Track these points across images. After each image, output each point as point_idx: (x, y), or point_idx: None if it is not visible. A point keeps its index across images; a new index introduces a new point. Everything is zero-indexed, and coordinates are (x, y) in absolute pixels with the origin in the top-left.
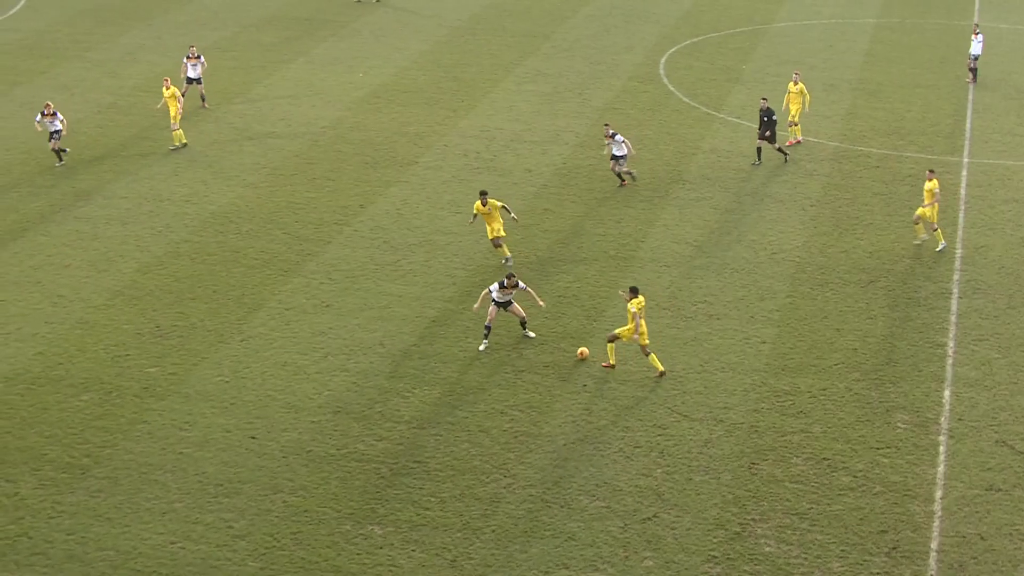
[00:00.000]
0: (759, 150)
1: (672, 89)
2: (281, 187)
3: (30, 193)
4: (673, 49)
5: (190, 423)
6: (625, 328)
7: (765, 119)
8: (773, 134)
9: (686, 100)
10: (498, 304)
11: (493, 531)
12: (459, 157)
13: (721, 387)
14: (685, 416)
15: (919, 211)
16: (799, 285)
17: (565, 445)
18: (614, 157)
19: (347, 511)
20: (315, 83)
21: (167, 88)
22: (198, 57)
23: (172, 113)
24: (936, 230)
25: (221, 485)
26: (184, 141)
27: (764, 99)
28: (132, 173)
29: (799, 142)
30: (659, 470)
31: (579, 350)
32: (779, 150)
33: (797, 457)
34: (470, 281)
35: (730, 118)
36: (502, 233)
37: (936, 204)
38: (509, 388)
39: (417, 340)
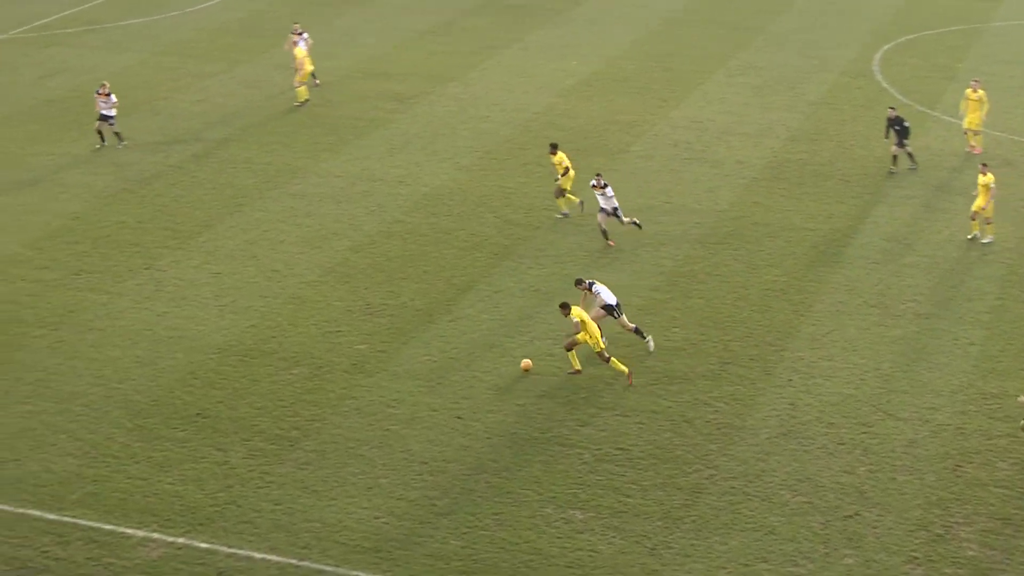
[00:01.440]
0: (895, 157)
1: (886, 86)
2: (493, 171)
3: (247, 170)
4: (887, 46)
5: (397, 400)
6: (580, 335)
7: (896, 128)
8: (902, 141)
9: (900, 97)
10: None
11: (693, 521)
12: (669, 147)
13: (928, 387)
14: (890, 415)
15: (974, 206)
16: (1009, 287)
17: (768, 439)
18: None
19: (549, 494)
20: (528, 69)
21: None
22: (300, 34)
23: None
24: (989, 223)
25: (426, 463)
26: (307, 97)
27: (892, 108)
28: (347, 153)
29: (978, 151)
30: (862, 468)
31: (523, 362)
32: (909, 155)
33: (1003, 461)
34: (677, 272)
35: (944, 116)
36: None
37: (992, 199)
38: (714, 379)
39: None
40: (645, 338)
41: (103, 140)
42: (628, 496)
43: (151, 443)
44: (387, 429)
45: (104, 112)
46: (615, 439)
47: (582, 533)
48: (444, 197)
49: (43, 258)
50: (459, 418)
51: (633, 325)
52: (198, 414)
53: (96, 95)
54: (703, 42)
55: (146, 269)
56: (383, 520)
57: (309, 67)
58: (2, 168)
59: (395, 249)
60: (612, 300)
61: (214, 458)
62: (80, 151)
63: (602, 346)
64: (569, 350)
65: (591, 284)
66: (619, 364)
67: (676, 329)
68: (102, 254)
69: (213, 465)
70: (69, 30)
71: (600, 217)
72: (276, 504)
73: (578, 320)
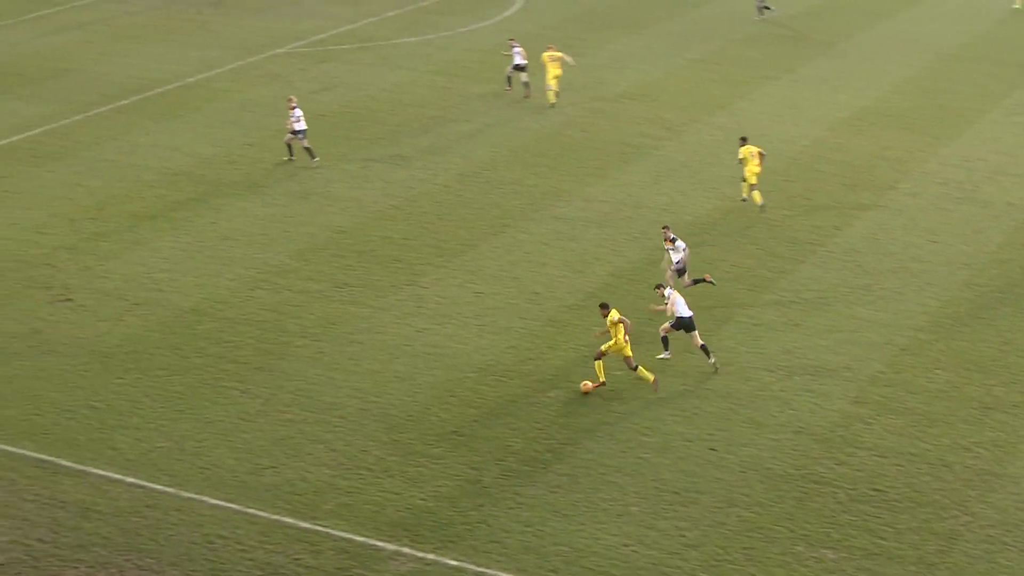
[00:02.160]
0: None
1: None
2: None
3: (512, 191)
4: None
5: (651, 429)
6: (610, 344)
7: None
8: None
9: None
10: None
11: (948, 568)
12: (938, 185)
13: None
14: None
15: None
16: None
17: None
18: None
19: (801, 532)
20: (798, 102)
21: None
22: (514, 46)
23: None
24: None
25: (677, 493)
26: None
27: None
28: (612, 178)
29: None
30: None
31: (582, 384)
32: None
33: None
34: (942, 312)
35: None
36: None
37: None
38: (975, 424)
39: (884, 367)
40: (710, 358)
41: (291, 154)
42: (882, 539)
43: (406, 458)
44: (640, 457)
45: (295, 127)
46: (871, 479)
47: (833, 574)
48: (707, 227)
49: (309, 269)
50: (713, 450)
51: (701, 342)
52: (453, 432)
53: (289, 110)
54: (979, 79)
55: (408, 285)
56: (632, 548)
57: (555, 71)
58: (276, 180)
59: (656, 277)
60: (687, 313)
61: (467, 476)
62: (350, 166)
63: (629, 352)
64: (598, 359)
65: (669, 291)
66: (646, 372)
67: (938, 371)
68: (366, 268)
69: (466, 483)
70: (344, 46)
71: (668, 276)
72: (526, 526)
73: (612, 322)
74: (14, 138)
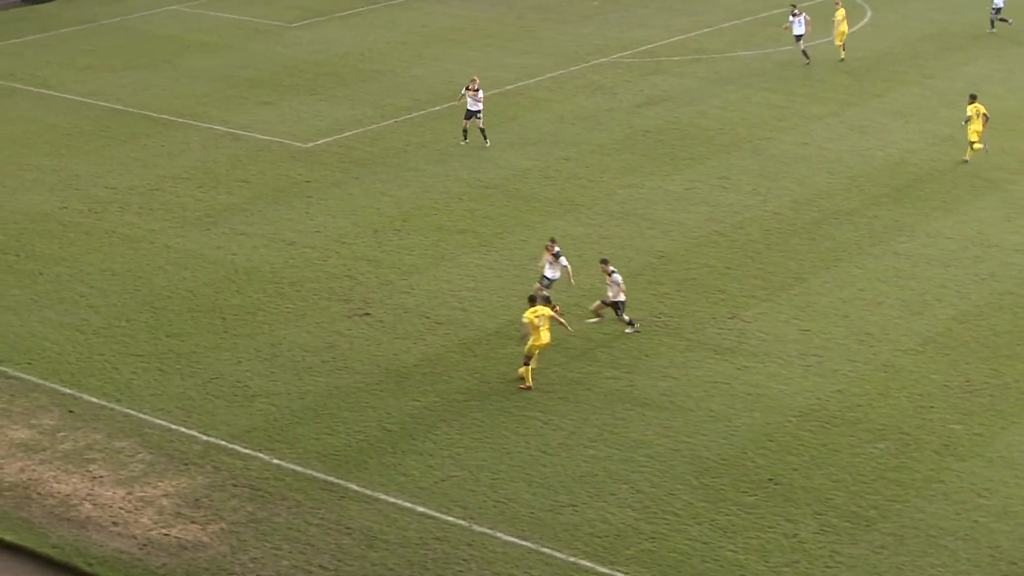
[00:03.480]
0: None
1: None
2: None
3: (849, 222)
4: None
5: (990, 490)
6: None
7: None
8: None
9: None
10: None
11: None
12: None
13: None
14: None
15: None
16: None
17: None
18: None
19: None
20: None
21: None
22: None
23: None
24: None
25: (1016, 563)
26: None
27: None
28: (961, 213)
29: None
30: None
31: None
32: None
33: None
34: None
35: None
36: None
37: None
38: None
39: None
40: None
41: (466, 137)
42: None
43: (716, 504)
44: (975, 520)
45: (471, 108)
46: None
47: None
48: None
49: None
50: None
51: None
52: (770, 479)
53: (465, 90)
54: None
55: (730, 318)
56: None
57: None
58: (594, 199)
59: (1004, 323)
60: (621, 298)
61: (782, 529)
62: (673, 187)
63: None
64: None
65: (613, 271)
66: (530, 373)
67: None
68: (684, 298)
69: (780, 536)
70: (674, 58)
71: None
72: None
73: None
74: (321, 141)
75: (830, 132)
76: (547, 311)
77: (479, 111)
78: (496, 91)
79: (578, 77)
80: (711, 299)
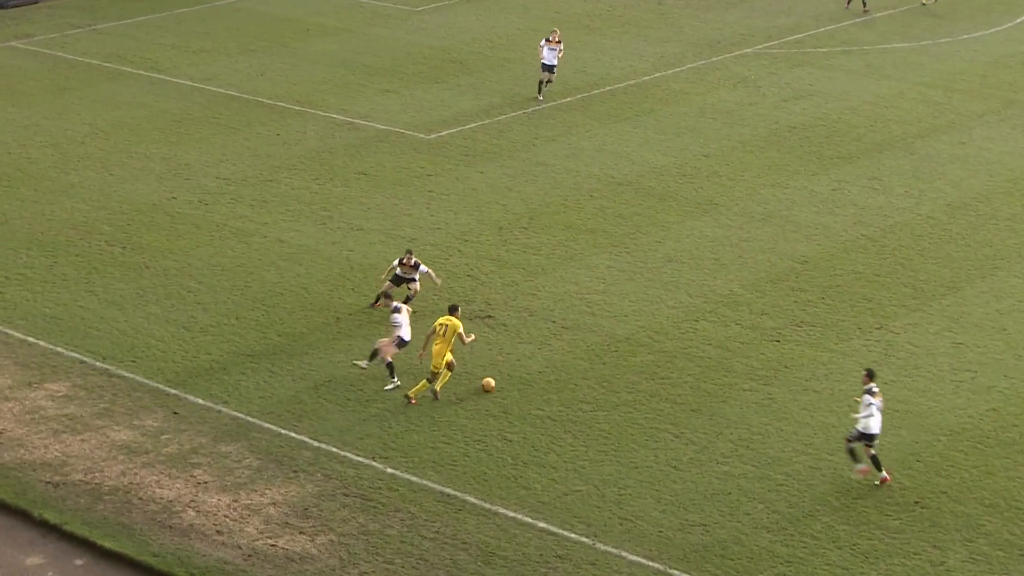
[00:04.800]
0: None
1: None
2: None
3: (1008, 228)
4: None
5: None
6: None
7: None
8: None
9: None
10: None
11: None
12: None
13: None
14: None
15: None
16: None
17: None
18: None
19: None
20: None
21: None
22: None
23: None
24: None
25: None
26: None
27: None
28: None
29: None
30: None
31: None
32: None
33: None
34: None
35: None
36: None
37: None
38: None
39: None
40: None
41: (540, 92)
42: None
43: (858, 528)
44: None
45: (547, 62)
46: None
47: None
48: None
49: (763, 303)
50: None
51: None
52: (916, 502)
53: (545, 42)
54: None
55: (877, 329)
56: None
57: None
58: (734, 199)
59: None
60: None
61: (928, 556)
62: (819, 187)
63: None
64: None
65: (396, 307)
66: (425, 386)
67: None
68: (829, 306)
69: (926, 564)
70: (823, 49)
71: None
72: None
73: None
74: (444, 132)
75: (990, 131)
76: (454, 323)
77: (554, 66)
78: (632, 82)
79: (720, 68)
80: (857, 308)
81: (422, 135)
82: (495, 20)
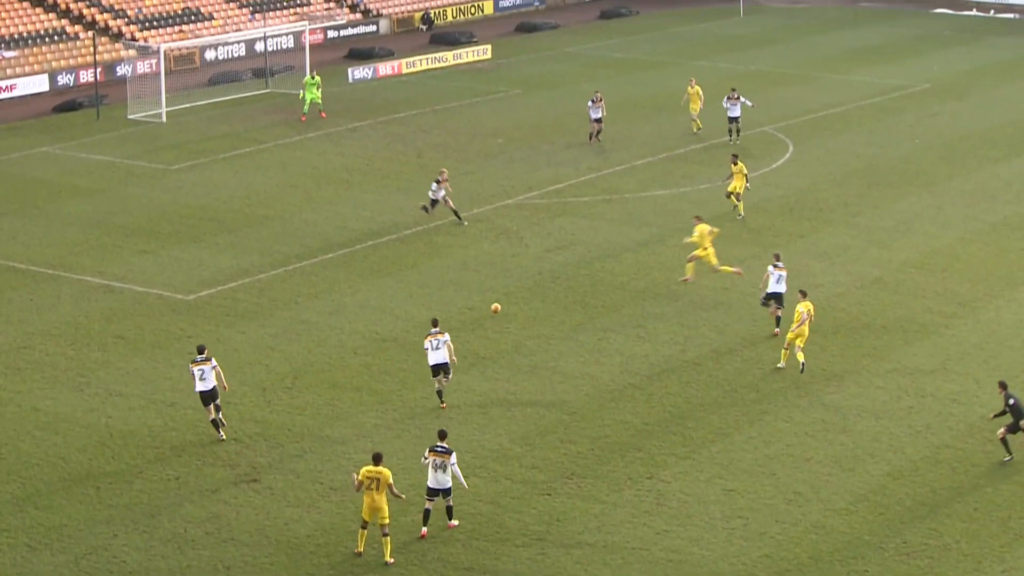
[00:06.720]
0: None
1: None
2: None
3: (774, 373)
4: None
5: None
6: None
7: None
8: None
9: None
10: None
11: None
12: None
13: None
14: None
15: None
16: None
17: None
18: None
19: None
20: None
21: None
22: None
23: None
24: None
25: None
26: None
27: None
28: (893, 360)
29: None
30: None
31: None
32: None
33: None
34: None
35: None
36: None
37: None
38: None
39: None
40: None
41: (591, 139)
42: None
43: None
44: None
45: (593, 116)
46: None
47: None
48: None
49: (532, 456)
50: None
51: None
52: None
53: (591, 103)
54: None
55: (648, 479)
56: None
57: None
58: (500, 352)
59: (942, 479)
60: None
61: None
62: (584, 337)
63: None
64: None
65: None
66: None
67: None
68: (599, 457)
69: None
70: (583, 198)
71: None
72: None
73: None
74: (203, 293)
75: (754, 276)
76: (384, 474)
77: (601, 119)
78: (395, 236)
79: (482, 220)
80: (627, 458)
81: (181, 296)
82: (252, 177)
